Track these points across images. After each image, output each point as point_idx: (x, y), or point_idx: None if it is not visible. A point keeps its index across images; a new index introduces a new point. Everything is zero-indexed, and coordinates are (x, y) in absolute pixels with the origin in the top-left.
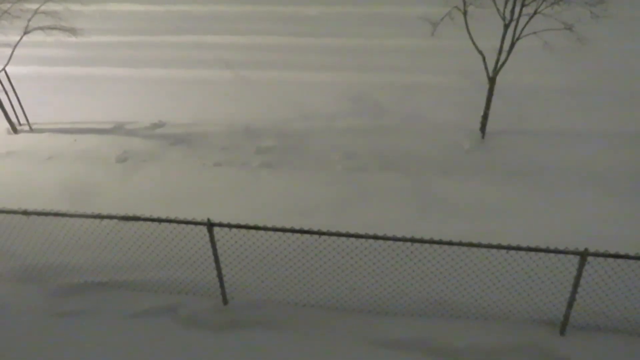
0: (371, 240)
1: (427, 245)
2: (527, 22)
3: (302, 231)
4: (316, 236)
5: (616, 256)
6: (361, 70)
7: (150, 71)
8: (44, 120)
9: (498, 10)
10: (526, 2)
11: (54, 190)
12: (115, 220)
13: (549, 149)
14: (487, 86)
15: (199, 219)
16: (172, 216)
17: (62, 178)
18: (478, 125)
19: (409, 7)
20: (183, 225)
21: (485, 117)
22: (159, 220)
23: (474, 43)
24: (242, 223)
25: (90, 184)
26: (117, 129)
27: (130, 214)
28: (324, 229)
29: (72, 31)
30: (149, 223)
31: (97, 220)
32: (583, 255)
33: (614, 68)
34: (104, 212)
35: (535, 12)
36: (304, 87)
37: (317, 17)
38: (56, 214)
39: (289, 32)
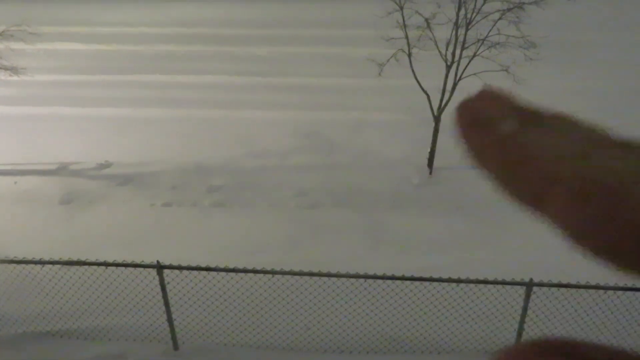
0: (325, 278)
1: (379, 280)
2: (468, 64)
3: (254, 271)
4: (269, 275)
5: (560, 285)
6: (311, 108)
7: (97, 110)
8: None
9: (440, 53)
10: (466, 46)
11: None
12: (58, 266)
13: None
14: (432, 122)
15: (147, 262)
16: (120, 259)
17: (1, 221)
18: (426, 161)
19: (355, 48)
20: (131, 269)
21: (432, 153)
22: (105, 264)
23: (418, 83)
24: (193, 264)
25: (32, 227)
26: (61, 170)
27: (75, 258)
28: (277, 268)
29: (14, 70)
30: (94, 267)
31: (39, 266)
32: (528, 285)
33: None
34: (46, 257)
35: (474, 55)
36: (255, 126)
37: (266, 57)
38: None
39: (238, 71)
